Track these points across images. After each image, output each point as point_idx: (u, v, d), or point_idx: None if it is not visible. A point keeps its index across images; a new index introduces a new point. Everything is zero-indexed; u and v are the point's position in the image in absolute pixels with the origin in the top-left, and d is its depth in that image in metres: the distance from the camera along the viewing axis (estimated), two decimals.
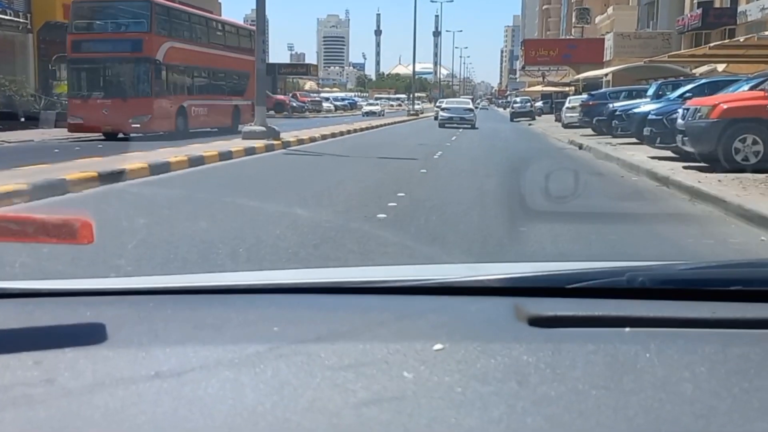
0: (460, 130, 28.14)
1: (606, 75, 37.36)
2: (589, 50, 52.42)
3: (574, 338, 0.96)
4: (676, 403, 0.79)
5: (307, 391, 0.83)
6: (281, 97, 48.40)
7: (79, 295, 1.20)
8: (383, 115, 51.31)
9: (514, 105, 46.73)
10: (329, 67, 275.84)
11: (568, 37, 60.81)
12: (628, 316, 1.02)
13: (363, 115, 48.38)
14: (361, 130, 26.73)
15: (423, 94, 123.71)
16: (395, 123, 37.27)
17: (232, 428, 0.76)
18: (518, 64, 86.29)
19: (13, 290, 1.18)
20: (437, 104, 51.45)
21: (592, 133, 22.22)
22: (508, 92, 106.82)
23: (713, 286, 1.13)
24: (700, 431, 0.75)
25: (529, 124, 36.12)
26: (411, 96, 58.00)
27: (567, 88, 60.63)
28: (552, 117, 43.03)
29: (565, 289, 1.13)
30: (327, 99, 62.73)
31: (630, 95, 23.01)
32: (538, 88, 62.72)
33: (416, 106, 57.38)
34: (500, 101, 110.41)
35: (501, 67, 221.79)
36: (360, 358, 0.91)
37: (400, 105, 78.17)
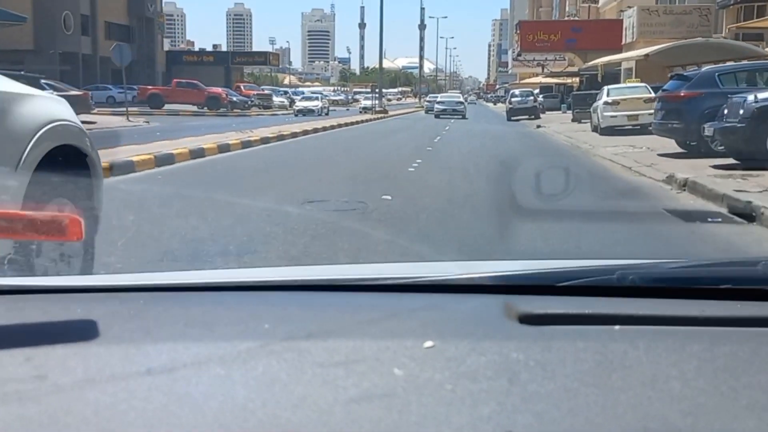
0: (438, 143, 18.47)
1: (627, 60, 29.41)
2: (599, 33, 43.18)
3: (564, 336, 0.96)
4: (664, 400, 0.80)
5: (298, 387, 0.83)
6: (216, 90, 38.71)
7: (69, 291, 1.19)
8: (325, 113, 38.91)
9: (512, 99, 35.96)
10: (314, 61, 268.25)
11: (572, 18, 51.25)
12: (618, 314, 1.02)
13: (295, 115, 37.50)
14: (260, 142, 16.12)
15: (408, 89, 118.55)
16: (337, 126, 25.26)
17: (223, 425, 0.76)
18: (510, 55, 77.72)
19: (2, 287, 1.17)
20: (428, 99, 51.96)
21: (678, 149, 12.82)
22: (498, 86, 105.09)
23: (702, 284, 1.13)
24: (688, 429, 0.75)
25: (538, 126, 26.52)
26: (377, 90, 44.69)
27: (571, 80, 51.24)
28: (562, 115, 33.59)
29: (556, 287, 1.13)
30: (285, 93, 52.78)
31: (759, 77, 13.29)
32: (536, 79, 53.20)
33: (394, 100, 49.26)
34: (489, 95, 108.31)
35: (489, 62, 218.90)
36: (350, 356, 0.91)
37: (389, 99, 73.97)
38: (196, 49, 78.25)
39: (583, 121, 25.52)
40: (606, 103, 19.98)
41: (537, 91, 40.08)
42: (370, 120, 33.50)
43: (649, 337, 0.94)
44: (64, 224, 0.95)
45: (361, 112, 42.10)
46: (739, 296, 1.08)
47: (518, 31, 48.05)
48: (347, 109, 51.29)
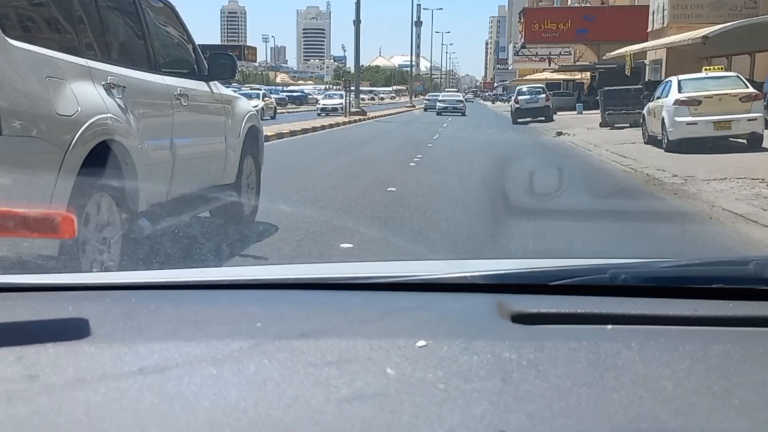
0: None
1: (654, 50, 25.10)
2: (616, 22, 36.96)
3: (556, 335, 0.96)
4: (656, 400, 0.80)
5: (290, 387, 0.83)
6: None
7: (61, 290, 1.19)
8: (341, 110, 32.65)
9: (519, 98, 29.41)
10: (309, 59, 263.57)
11: (584, 5, 45.06)
12: (610, 313, 1.02)
13: (318, 114, 32.94)
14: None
15: (403, 87, 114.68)
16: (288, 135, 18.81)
17: (215, 424, 0.76)
18: (510, 50, 71.81)
19: None
20: (427, 97, 52.78)
21: None
22: (496, 84, 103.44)
23: (694, 283, 1.13)
24: (680, 428, 0.75)
25: (558, 134, 20.21)
26: (352, 87, 34.26)
27: (580, 75, 44.54)
28: (578, 117, 27.47)
29: (548, 286, 1.13)
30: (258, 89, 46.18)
31: None
32: (541, 75, 47.01)
33: (387, 99, 52.43)
34: (487, 94, 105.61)
35: (486, 60, 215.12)
36: (343, 355, 0.91)
37: (382, 99, 73.12)
38: None
39: (617, 125, 19.36)
40: (679, 102, 13.18)
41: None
42: (339, 125, 26.02)
43: (641, 337, 0.94)
44: (56, 222, 0.94)
45: (319, 115, 33.86)
46: (731, 295, 1.08)
47: (522, 20, 41.82)
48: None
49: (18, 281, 1.22)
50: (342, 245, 5.19)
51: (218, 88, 5.55)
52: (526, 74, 57.65)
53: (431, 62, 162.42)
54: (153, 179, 4.18)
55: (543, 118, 27.82)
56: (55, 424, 0.76)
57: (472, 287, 1.16)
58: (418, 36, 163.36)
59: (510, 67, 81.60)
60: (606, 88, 22.27)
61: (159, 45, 4.87)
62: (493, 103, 74.82)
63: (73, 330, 0.97)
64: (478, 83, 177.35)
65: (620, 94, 21.14)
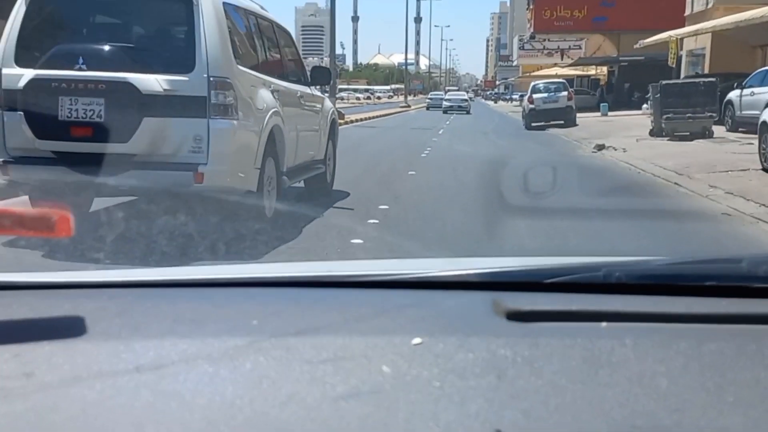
0: None
1: (694, 36, 20.50)
2: (640, 8, 32.05)
3: (551, 333, 0.97)
4: (651, 397, 0.80)
5: (286, 384, 0.83)
6: None
7: (57, 287, 1.20)
8: None
9: (535, 96, 23.45)
10: (307, 57, 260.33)
11: None
12: (604, 310, 1.02)
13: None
14: None
15: (401, 86, 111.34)
16: None
17: (211, 422, 0.76)
18: (515, 44, 66.91)
19: None
20: (429, 96, 53.84)
21: None
22: (498, 82, 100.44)
23: (688, 281, 1.13)
24: (674, 425, 0.76)
25: (599, 148, 14.27)
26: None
27: (595, 71, 39.13)
28: (604, 120, 22.31)
29: (543, 284, 1.13)
30: None
31: None
32: (550, 71, 41.77)
33: (384, 98, 51.91)
34: (488, 93, 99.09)
35: (487, 58, 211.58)
36: (339, 352, 0.91)
37: (379, 98, 72.36)
38: None
39: (677, 133, 14.18)
40: None
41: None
42: None
43: (635, 334, 0.94)
44: (53, 220, 0.94)
45: None
46: (725, 293, 1.09)
47: (531, 6, 36.76)
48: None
49: (14, 279, 1.22)
50: None
51: (315, 91, 7.95)
52: (532, 70, 52.48)
53: (429, 59, 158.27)
54: (288, 151, 6.50)
55: (563, 122, 22.44)
56: (51, 421, 0.76)
57: (468, 285, 1.16)
58: (418, 33, 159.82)
59: (515, 62, 76.40)
60: (664, 82, 16.15)
61: (288, 62, 7.49)
62: (496, 102, 70.55)
63: (69, 327, 0.97)
64: (478, 82, 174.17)
65: (684, 91, 15.40)
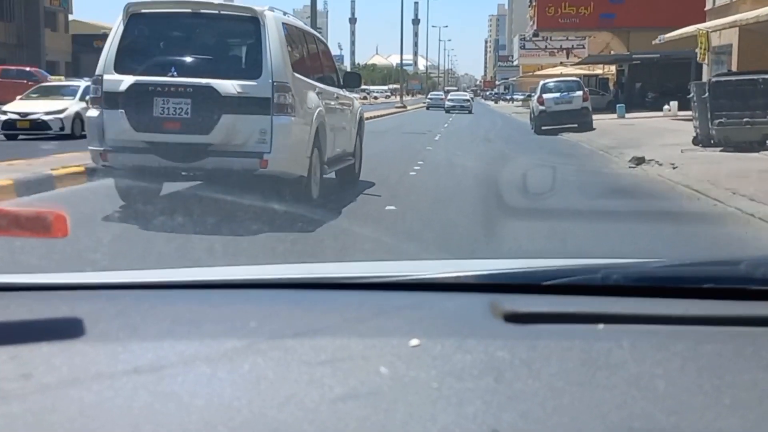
0: None
1: (719, 30, 18.55)
2: (651, 3, 29.97)
3: (549, 335, 0.96)
4: (648, 399, 0.80)
5: (284, 386, 0.83)
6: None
7: (55, 289, 1.19)
8: None
9: (546, 96, 20.80)
10: None
11: None
12: (602, 312, 1.02)
13: None
14: None
15: (398, 86, 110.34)
16: None
17: (209, 423, 0.76)
18: (516, 43, 64.88)
19: None
20: (429, 96, 54.32)
21: None
22: (498, 82, 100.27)
23: (685, 284, 1.13)
24: (672, 427, 0.76)
25: (638, 163, 11.40)
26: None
27: (602, 70, 36.81)
28: (620, 122, 20.17)
29: (541, 286, 1.13)
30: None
31: None
32: (554, 70, 39.50)
33: (381, 98, 50.76)
34: (488, 93, 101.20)
35: (485, 58, 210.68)
36: (337, 354, 0.91)
37: (375, 98, 71.59)
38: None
39: (731, 142, 11.74)
40: None
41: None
42: None
43: (633, 336, 0.94)
44: (49, 221, 0.94)
45: None
46: (723, 295, 1.08)
47: (534, 3, 34.45)
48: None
49: (12, 281, 1.22)
50: None
51: (346, 92, 9.08)
52: (533, 70, 50.28)
53: (427, 60, 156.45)
54: (329, 144, 7.64)
55: (577, 125, 19.85)
56: (49, 422, 0.76)
57: (466, 287, 1.16)
58: (416, 34, 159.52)
59: (515, 62, 74.25)
60: (716, 79, 13.22)
61: (326, 68, 8.70)
62: (496, 102, 68.38)
63: (68, 329, 0.97)
64: (477, 82, 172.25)
65: (740, 91, 12.43)
